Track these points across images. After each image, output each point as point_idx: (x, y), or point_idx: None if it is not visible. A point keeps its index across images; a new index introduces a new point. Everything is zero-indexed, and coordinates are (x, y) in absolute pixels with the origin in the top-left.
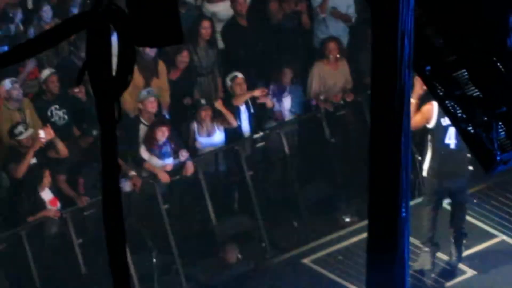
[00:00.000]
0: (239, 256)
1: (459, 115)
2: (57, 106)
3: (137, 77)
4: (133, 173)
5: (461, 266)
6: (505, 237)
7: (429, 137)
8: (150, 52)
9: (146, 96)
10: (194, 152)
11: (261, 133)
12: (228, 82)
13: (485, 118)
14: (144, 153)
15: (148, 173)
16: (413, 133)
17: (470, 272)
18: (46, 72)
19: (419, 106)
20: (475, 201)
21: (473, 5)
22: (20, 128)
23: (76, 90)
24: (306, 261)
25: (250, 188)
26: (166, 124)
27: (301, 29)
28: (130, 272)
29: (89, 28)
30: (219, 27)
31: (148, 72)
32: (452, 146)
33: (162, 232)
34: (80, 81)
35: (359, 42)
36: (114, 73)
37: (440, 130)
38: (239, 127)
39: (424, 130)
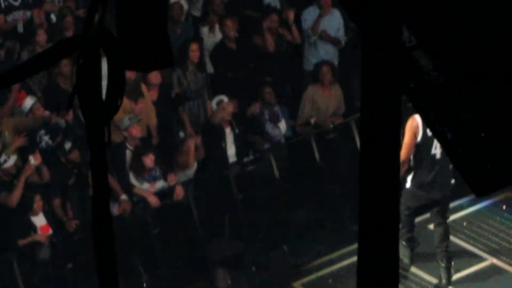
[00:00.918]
0: (229, 281)
1: (450, 138)
2: (43, 132)
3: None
4: (124, 197)
5: None
6: (494, 260)
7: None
8: (131, 74)
9: (128, 123)
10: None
11: (251, 157)
12: (214, 106)
13: (477, 142)
14: (133, 179)
15: (137, 197)
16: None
17: None
18: (29, 101)
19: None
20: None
21: (464, 27)
22: (3, 156)
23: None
24: (296, 284)
25: (240, 211)
26: (152, 151)
27: (290, 52)
28: None
29: (79, 52)
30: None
31: (133, 94)
32: (438, 156)
33: (152, 256)
34: (70, 105)
35: (348, 65)
36: (104, 97)
37: (426, 141)
38: (223, 150)
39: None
